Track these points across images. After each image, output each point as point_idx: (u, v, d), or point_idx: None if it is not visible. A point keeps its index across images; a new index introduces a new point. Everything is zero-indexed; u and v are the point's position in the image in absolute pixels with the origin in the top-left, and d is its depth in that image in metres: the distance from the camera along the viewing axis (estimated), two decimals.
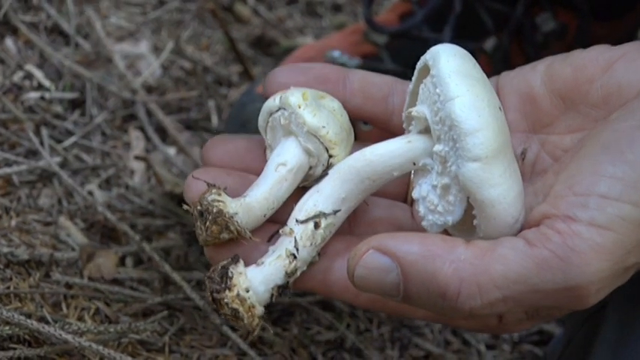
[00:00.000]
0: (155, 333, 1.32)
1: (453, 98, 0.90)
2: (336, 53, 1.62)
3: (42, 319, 1.25)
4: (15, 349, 1.19)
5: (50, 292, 1.31)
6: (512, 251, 0.86)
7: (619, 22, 1.74)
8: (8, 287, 1.28)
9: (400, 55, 1.66)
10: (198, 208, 1.00)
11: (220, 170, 1.06)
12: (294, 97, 1.02)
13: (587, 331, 1.09)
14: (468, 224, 0.96)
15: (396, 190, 1.08)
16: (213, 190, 1.00)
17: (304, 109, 1.01)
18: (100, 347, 1.21)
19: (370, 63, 1.65)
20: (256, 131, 1.54)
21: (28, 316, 1.23)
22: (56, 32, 1.78)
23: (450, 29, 1.61)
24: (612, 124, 0.90)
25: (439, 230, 0.99)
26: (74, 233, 1.43)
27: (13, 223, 1.40)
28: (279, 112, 1.03)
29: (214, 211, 0.99)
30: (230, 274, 0.97)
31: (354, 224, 1.05)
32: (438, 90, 0.92)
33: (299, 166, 1.02)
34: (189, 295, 1.35)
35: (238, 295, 0.96)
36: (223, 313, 0.97)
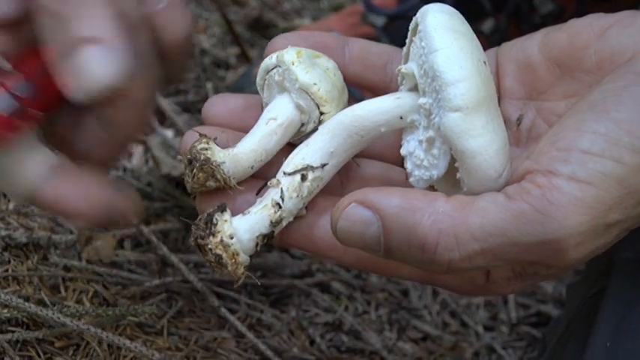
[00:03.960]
0: (153, 315, 1.32)
1: (436, 50, 0.91)
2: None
3: (40, 302, 1.25)
4: (13, 331, 1.20)
5: (48, 275, 1.31)
6: (492, 204, 0.86)
7: (617, 3, 1.73)
8: (6, 270, 1.28)
9: (398, 37, 1.65)
10: (188, 156, 1.01)
11: (216, 128, 1.06)
12: (289, 54, 1.03)
13: (587, 313, 1.09)
14: (455, 183, 0.96)
15: (393, 153, 1.08)
16: (203, 140, 1.01)
17: (297, 65, 1.02)
18: (99, 330, 1.21)
19: None
20: None
21: (27, 299, 1.23)
22: None
23: None
24: (601, 86, 0.91)
25: (425, 186, 0.99)
26: None
27: (11, 206, 1.40)
28: (274, 70, 1.04)
29: (202, 158, 1.00)
30: (215, 221, 0.97)
31: (346, 183, 1.06)
32: (423, 44, 0.93)
33: (290, 121, 1.03)
34: (187, 278, 1.36)
35: (222, 241, 0.97)
36: (207, 259, 0.97)
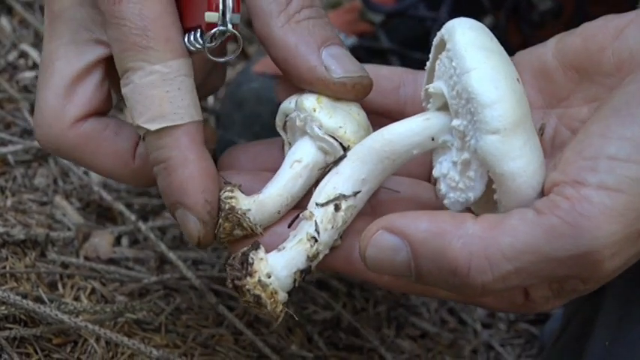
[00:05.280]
0: (151, 312, 1.32)
1: (469, 71, 0.89)
2: None
3: (38, 299, 1.25)
4: (11, 329, 1.19)
5: (46, 272, 1.31)
6: (521, 221, 0.85)
7: (616, 0, 1.73)
8: (4, 267, 1.28)
9: (397, 34, 1.65)
10: None
11: (231, 172, 1.07)
12: (309, 101, 1.02)
13: (587, 312, 1.09)
14: (490, 203, 0.94)
15: (419, 169, 1.07)
16: (227, 188, 1.01)
17: (319, 112, 1.01)
18: (96, 327, 1.21)
19: (366, 42, 1.65)
20: (252, 111, 1.54)
21: (24, 296, 1.23)
22: None
23: (446, 8, 1.60)
24: (623, 88, 0.89)
25: (461, 208, 0.98)
26: (70, 213, 1.43)
27: (9, 203, 1.40)
28: (294, 114, 1.03)
29: (226, 207, 1.00)
30: (251, 260, 0.96)
31: (375, 205, 1.04)
32: (454, 63, 0.91)
33: (314, 163, 1.02)
34: (185, 275, 1.35)
35: (260, 281, 0.96)
36: (245, 300, 0.96)
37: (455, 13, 1.60)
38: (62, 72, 1.06)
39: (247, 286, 0.96)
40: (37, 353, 1.20)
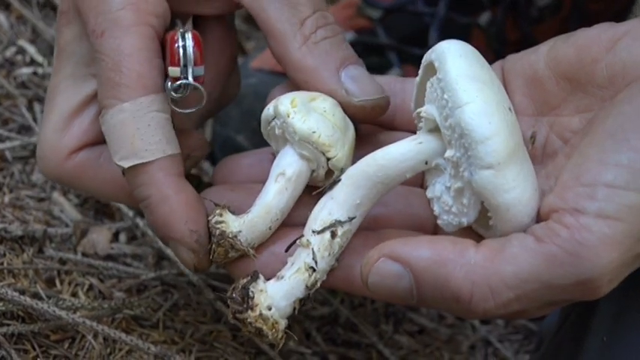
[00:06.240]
0: (149, 309, 1.32)
1: (461, 105, 0.89)
2: None
3: (36, 296, 1.25)
4: (9, 325, 1.20)
5: (44, 268, 1.31)
6: (522, 250, 0.87)
7: None
8: (2, 263, 1.28)
9: (395, 30, 1.65)
10: None
11: (225, 187, 1.08)
12: (284, 105, 1.01)
13: (584, 307, 1.09)
14: (485, 220, 0.95)
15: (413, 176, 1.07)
16: (217, 211, 1.02)
17: (293, 117, 1.00)
18: (94, 323, 1.21)
19: (364, 37, 1.64)
20: (249, 107, 1.54)
21: (22, 292, 1.23)
22: (49, 7, 1.76)
23: (444, 4, 1.60)
24: (617, 108, 0.90)
25: (455, 230, 0.99)
26: (68, 209, 1.43)
27: (7, 199, 1.39)
28: (274, 121, 1.03)
29: (217, 233, 1.01)
30: (251, 294, 0.97)
31: (370, 220, 1.05)
32: (445, 96, 0.91)
33: (298, 174, 1.02)
34: (182, 271, 1.35)
35: (261, 314, 0.97)
36: (247, 331, 0.98)
37: (453, 9, 1.60)
38: (60, 107, 1.09)
39: (249, 320, 0.97)
40: (34, 349, 1.20)
